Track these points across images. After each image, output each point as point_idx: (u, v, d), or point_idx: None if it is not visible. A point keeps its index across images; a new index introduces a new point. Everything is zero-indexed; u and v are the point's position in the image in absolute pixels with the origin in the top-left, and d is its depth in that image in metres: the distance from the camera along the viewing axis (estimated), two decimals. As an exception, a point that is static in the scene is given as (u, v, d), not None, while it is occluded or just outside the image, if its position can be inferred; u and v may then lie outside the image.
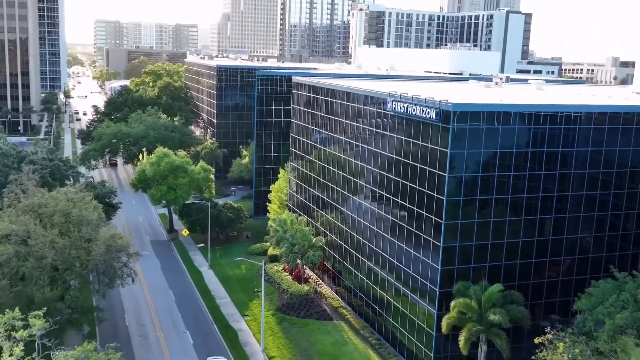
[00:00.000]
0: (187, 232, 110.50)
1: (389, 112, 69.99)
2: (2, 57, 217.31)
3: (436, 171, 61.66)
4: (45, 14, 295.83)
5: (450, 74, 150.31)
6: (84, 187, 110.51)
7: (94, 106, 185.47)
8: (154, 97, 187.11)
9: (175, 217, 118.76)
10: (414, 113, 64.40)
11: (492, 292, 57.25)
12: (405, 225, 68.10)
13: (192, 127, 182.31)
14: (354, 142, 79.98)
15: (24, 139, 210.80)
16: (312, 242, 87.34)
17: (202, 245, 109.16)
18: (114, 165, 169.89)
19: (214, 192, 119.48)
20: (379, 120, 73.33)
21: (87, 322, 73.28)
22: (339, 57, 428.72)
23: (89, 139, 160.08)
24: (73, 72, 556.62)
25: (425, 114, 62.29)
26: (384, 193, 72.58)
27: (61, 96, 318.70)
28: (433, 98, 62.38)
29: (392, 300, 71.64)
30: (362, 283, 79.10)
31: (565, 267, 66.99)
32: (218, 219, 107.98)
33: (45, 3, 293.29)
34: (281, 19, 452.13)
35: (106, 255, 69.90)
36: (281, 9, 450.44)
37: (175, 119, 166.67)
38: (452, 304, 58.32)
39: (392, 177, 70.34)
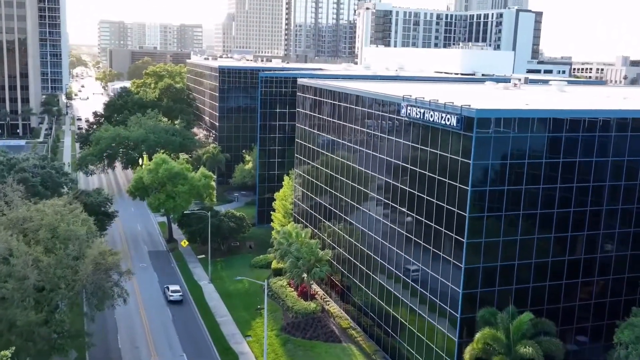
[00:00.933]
0: (187, 242, 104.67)
1: (402, 118, 63.92)
2: (0, 59, 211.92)
3: (457, 184, 55.53)
4: (47, 14, 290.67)
5: (462, 74, 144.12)
6: (78, 195, 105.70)
7: (94, 112, 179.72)
8: (154, 99, 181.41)
9: (175, 225, 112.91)
10: (431, 119, 58.28)
11: (521, 322, 51.12)
12: (421, 242, 61.99)
13: (195, 129, 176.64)
14: (363, 149, 73.92)
15: (22, 142, 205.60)
16: (319, 256, 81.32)
17: (203, 256, 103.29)
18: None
19: (215, 199, 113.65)
20: (391, 126, 67.25)
21: (75, 347, 67.45)
22: (345, 57, 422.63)
23: (87, 143, 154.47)
24: (77, 74, 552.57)
25: (444, 120, 56.17)
26: (396, 205, 66.50)
27: (63, 98, 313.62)
28: (453, 103, 56.27)
29: (406, 323, 65.53)
30: (373, 302, 73.02)
31: (598, 289, 60.75)
32: (219, 229, 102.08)
33: (46, 3, 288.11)
34: (286, 19, 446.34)
35: (94, 275, 64.04)
36: (286, 9, 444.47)
37: (176, 122, 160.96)
38: (477, 335, 52.16)
39: (407, 188, 64.25)
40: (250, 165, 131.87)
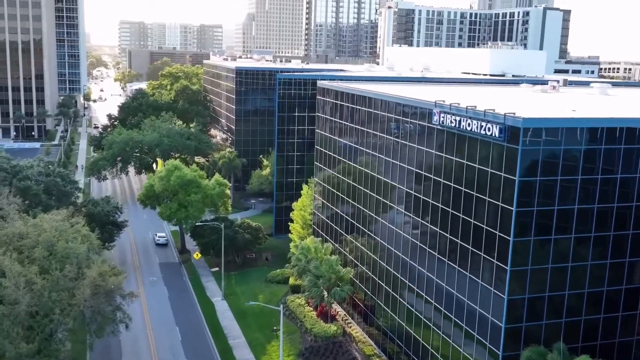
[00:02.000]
0: (199, 255, 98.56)
1: (434, 126, 57.08)
2: (15, 59, 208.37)
3: (498, 203, 48.59)
4: (65, 14, 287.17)
5: (490, 75, 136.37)
6: (86, 204, 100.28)
7: (108, 115, 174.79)
8: (170, 101, 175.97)
9: (188, 235, 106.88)
10: (468, 128, 51.38)
11: (576, 366, 44.08)
12: (455, 266, 55.13)
13: (211, 132, 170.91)
14: (389, 158, 67.15)
15: (37, 144, 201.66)
16: (340, 274, 74.71)
17: (217, 269, 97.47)
18: None
19: (230, 208, 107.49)
20: (421, 134, 60.43)
21: (72, 376, 61.74)
22: (366, 57, 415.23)
23: (100, 147, 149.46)
24: (96, 75, 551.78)
25: (484, 130, 49.25)
26: (426, 223, 59.67)
27: (81, 99, 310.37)
28: (494, 110, 49.34)
29: (438, 355, 58.66)
30: (400, 327, 66.20)
31: (659, 321, 53.41)
32: (234, 240, 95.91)
33: (64, 3, 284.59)
34: (307, 19, 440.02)
35: (93, 298, 58.10)
36: (307, 8, 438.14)
37: (191, 125, 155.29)
38: (525, 381, 45.21)
39: (438, 205, 57.39)
40: (267, 171, 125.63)
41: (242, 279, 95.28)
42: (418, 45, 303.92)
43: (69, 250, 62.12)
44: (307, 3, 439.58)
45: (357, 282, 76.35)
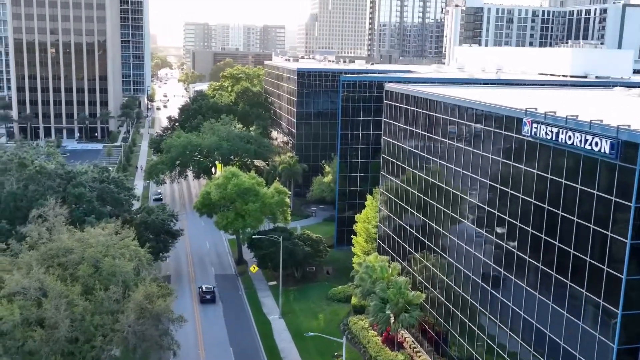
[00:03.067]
0: (256, 268, 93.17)
1: (524, 137, 49.25)
2: (80, 61, 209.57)
3: (607, 233, 40.56)
4: (130, 15, 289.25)
5: (571, 76, 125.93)
6: (140, 211, 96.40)
7: (168, 117, 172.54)
8: (230, 103, 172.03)
9: (245, 246, 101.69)
10: (569, 142, 43.46)
11: None
12: (548, 302, 47.18)
13: (273, 134, 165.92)
14: (467, 172, 59.59)
15: (100, 145, 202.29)
16: (409, 298, 67.49)
17: (274, 283, 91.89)
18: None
19: (289, 218, 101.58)
20: (507, 146, 52.64)
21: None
22: (431, 57, 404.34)
23: (159, 150, 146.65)
24: (161, 76, 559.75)
25: (589, 144, 41.29)
26: (513, 249, 51.88)
27: (144, 100, 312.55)
28: (602, 121, 41.30)
29: (524, 402, 50.83)
30: (477, 362, 58.57)
31: None
32: (293, 253, 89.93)
33: (129, 5, 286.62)
34: (370, 18, 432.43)
35: (138, 324, 53.00)
36: (370, 8, 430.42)
37: (251, 128, 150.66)
38: None
39: (528, 229, 49.53)
40: (329, 178, 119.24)
41: (301, 295, 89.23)
42: (487, 45, 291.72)
43: (115, 267, 57.44)
44: (370, 2, 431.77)
45: (427, 306, 68.96)
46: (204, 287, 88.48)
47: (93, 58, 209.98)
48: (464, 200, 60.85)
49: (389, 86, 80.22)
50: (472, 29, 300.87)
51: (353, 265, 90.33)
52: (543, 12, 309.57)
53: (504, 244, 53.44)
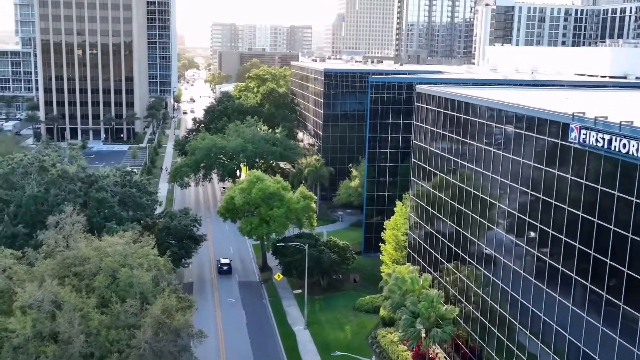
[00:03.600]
0: (281, 276, 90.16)
1: (571, 144, 45.34)
2: (106, 62, 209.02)
3: (668, 251, 36.54)
4: (157, 16, 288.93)
5: (610, 77, 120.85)
6: (163, 216, 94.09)
7: (193, 119, 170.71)
8: (256, 104, 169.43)
9: (269, 252, 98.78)
10: (623, 150, 39.53)
11: None
12: (598, 325, 43.20)
13: (299, 136, 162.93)
14: (506, 180, 55.75)
15: (125, 147, 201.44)
16: (441, 312, 63.77)
17: (299, 291, 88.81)
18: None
19: (315, 223, 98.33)
20: (551, 154, 48.73)
21: None
22: (459, 57, 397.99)
23: (184, 152, 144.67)
24: (190, 77, 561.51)
25: (648, 153, 37.31)
26: (557, 265, 47.96)
27: (171, 101, 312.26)
28: (662, 127, 37.32)
29: None
30: (515, 384, 54.66)
31: None
32: (319, 261, 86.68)
33: (156, 6, 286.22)
34: (398, 18, 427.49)
35: (155, 340, 50.19)
36: (398, 8, 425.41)
37: (277, 130, 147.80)
38: None
39: (575, 244, 45.60)
40: (356, 182, 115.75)
41: (327, 305, 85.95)
42: (517, 44, 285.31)
43: (133, 278, 54.76)
44: (398, 2, 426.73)
45: (461, 321, 65.18)
46: (221, 259, 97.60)
47: (119, 59, 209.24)
48: (500, 209, 57.03)
49: (420, 88, 76.53)
50: (503, 28, 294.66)
51: (381, 274, 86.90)
52: (576, 10, 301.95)
53: (545, 258, 49.54)
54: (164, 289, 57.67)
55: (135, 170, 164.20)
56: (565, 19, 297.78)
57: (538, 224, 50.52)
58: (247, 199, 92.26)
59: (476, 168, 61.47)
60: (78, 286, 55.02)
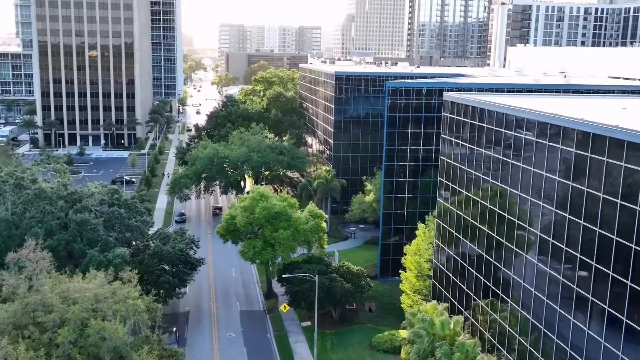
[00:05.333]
0: (287, 307, 79.92)
1: (661, 174, 34.87)
2: (106, 64, 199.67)
3: None
4: (161, 17, 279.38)
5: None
6: (157, 236, 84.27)
7: (195, 125, 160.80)
8: (261, 109, 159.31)
9: (275, 279, 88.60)
10: None
11: None
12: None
13: (308, 142, 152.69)
14: (564, 213, 45.29)
15: (126, 153, 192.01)
16: (478, 364, 53.38)
17: (308, 324, 78.64)
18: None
19: (326, 245, 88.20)
20: (628, 182, 38.29)
21: None
22: (472, 58, 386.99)
23: (184, 162, 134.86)
24: (197, 79, 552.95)
25: None
26: (620, 316, 37.51)
27: (176, 104, 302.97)
28: None
29: None
30: None
31: None
32: (330, 291, 76.45)
33: (160, 6, 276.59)
34: (409, 18, 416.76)
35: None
36: (410, 8, 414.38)
37: (284, 138, 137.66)
38: None
39: (665, 302, 35.14)
40: (371, 196, 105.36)
41: (340, 341, 75.58)
42: (535, 44, 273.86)
43: (105, 332, 44.78)
44: (410, 2, 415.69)
45: (501, 374, 54.77)
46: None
47: (120, 61, 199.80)
48: (545, 242, 46.66)
49: (448, 95, 66.08)
50: (520, 28, 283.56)
51: (401, 305, 76.77)
52: (596, 9, 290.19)
53: (605, 307, 39.10)
54: (144, 341, 47.69)
55: (134, 179, 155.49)
56: (585, 19, 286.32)
57: (597, 265, 40.05)
58: (249, 219, 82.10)
59: (521, 194, 51.01)
60: (39, 340, 45.15)
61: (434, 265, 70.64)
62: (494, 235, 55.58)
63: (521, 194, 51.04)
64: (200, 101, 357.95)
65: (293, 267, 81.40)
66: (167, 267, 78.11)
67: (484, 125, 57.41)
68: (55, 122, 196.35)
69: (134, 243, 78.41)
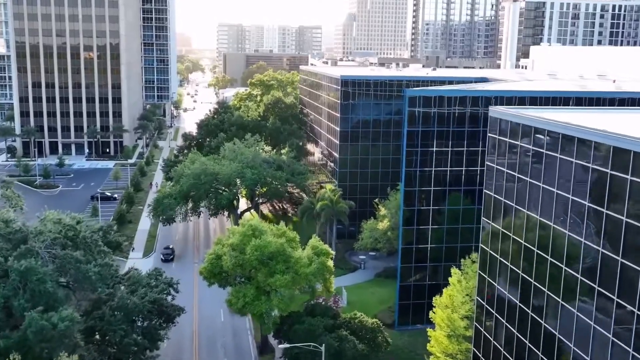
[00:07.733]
0: (286, 374, 64.08)
1: None
2: (90, 67, 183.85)
3: None
4: (153, 15, 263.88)
5: None
6: (124, 280, 68.60)
7: (184, 135, 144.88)
8: (258, 117, 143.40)
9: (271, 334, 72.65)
10: None
11: None
12: None
13: (309, 150, 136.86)
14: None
15: (111, 163, 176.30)
16: None
17: (312, 391, 62.59)
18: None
19: (333, 289, 72.43)
20: None
21: None
22: (479, 58, 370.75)
23: (169, 178, 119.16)
24: (193, 80, 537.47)
25: None
26: None
27: (170, 108, 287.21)
28: None
29: None
30: None
31: None
32: (339, 355, 60.71)
33: (152, 4, 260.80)
34: (413, 17, 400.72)
35: None
36: (414, 6, 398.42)
37: (283, 150, 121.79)
38: None
39: None
40: (386, 224, 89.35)
41: (353, 419, 59.83)
42: (549, 43, 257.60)
43: None
44: (414, 0, 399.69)
45: None
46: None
47: (104, 63, 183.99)
48: (620, 306, 30.99)
49: (496, 111, 50.18)
50: (533, 26, 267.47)
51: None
52: (613, 6, 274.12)
53: None
54: None
55: (116, 194, 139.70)
56: (602, 16, 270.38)
57: None
58: (239, 260, 66.25)
59: (606, 253, 35.23)
60: None
61: (475, 329, 54.80)
62: (563, 302, 39.86)
63: (606, 252, 35.27)
64: (195, 105, 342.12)
65: (293, 320, 65.77)
66: (136, 323, 62.52)
67: (557, 155, 41.56)
68: (33, 130, 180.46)
69: (92, 295, 62.57)
